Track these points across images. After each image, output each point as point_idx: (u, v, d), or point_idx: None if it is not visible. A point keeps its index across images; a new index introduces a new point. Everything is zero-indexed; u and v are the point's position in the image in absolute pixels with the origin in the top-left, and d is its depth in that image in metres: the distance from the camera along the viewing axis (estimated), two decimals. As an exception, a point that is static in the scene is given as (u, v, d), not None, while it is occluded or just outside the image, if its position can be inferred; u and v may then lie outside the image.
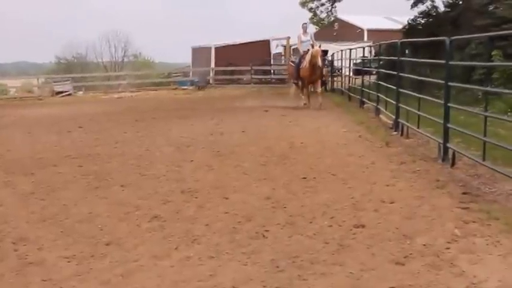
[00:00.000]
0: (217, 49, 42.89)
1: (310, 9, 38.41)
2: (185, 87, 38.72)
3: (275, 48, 45.01)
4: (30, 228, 7.21)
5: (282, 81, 37.38)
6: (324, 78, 22.63)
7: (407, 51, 16.39)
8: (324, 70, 22.03)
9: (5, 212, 8.02)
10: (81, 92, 39.27)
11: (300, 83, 22.12)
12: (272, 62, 43.91)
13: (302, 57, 21.48)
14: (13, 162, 11.86)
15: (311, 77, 21.07)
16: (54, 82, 40.50)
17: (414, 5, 33.11)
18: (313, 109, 20.65)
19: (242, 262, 5.90)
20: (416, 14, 32.35)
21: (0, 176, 10.44)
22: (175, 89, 39.23)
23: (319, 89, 21.73)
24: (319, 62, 20.77)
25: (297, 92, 22.72)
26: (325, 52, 21.42)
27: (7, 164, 11.67)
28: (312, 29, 25.24)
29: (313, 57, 20.64)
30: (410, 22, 32.42)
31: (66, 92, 37.66)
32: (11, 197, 8.91)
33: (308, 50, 21.12)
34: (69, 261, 6.03)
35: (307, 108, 21.28)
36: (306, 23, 23.16)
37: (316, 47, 21.11)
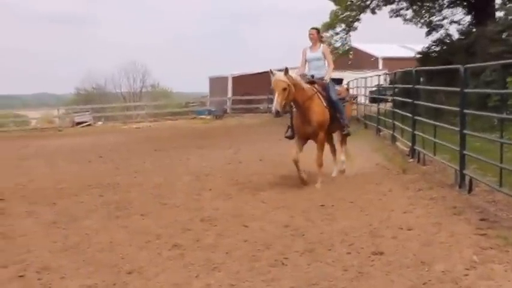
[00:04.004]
0: (234, 78, 43.21)
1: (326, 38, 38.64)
2: (203, 116, 39.00)
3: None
4: (53, 257, 7.34)
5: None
6: (345, 127, 12.14)
7: (422, 79, 16.45)
8: (346, 105, 12.32)
9: (28, 241, 8.16)
10: (100, 123, 39.68)
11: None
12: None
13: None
14: (36, 192, 12.05)
15: (303, 128, 11.59)
16: (74, 113, 40.95)
17: (428, 33, 33.33)
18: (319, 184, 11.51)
19: (263, 290, 5.98)
20: (431, 42, 32.54)
21: (24, 206, 10.64)
22: (193, 118, 39.52)
23: (338, 152, 13.07)
24: (318, 101, 11.55)
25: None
26: (339, 81, 13.16)
27: (30, 194, 11.87)
28: (326, 41, 12.14)
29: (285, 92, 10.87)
30: (424, 50, 32.57)
31: (85, 122, 38.09)
32: (34, 227, 9.06)
33: (308, 76, 12.00)
34: (91, 290, 6.14)
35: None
36: (315, 28, 12.32)
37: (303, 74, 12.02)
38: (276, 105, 10.75)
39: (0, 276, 6.68)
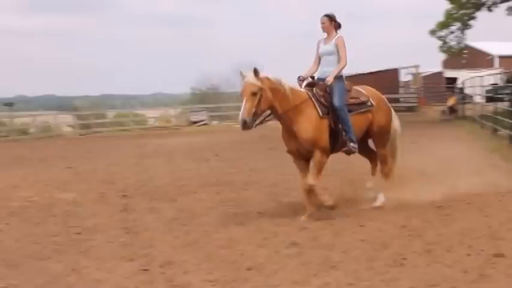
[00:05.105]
0: (347, 78, 43.08)
1: (440, 38, 37.88)
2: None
3: (404, 77, 44.67)
4: (175, 252, 7.61)
5: (410, 109, 37.09)
6: (346, 142, 9.27)
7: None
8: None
9: (151, 236, 8.50)
10: (215, 122, 40.42)
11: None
12: (401, 91, 43.63)
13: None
14: (156, 189, 12.52)
15: (291, 145, 9.43)
16: (191, 112, 41.92)
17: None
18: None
19: (381, 289, 5.98)
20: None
21: (145, 202, 11.08)
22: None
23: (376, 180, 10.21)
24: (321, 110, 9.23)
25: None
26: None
27: (151, 190, 12.33)
28: (341, 31, 9.55)
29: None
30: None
31: (201, 121, 38.91)
32: (156, 222, 9.42)
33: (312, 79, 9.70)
34: (213, 285, 6.33)
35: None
36: (328, 16, 9.63)
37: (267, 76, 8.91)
38: (242, 113, 8.62)
39: (126, 269, 6.98)
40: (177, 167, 16.36)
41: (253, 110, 8.68)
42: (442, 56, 41.74)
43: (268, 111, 9.25)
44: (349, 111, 9.42)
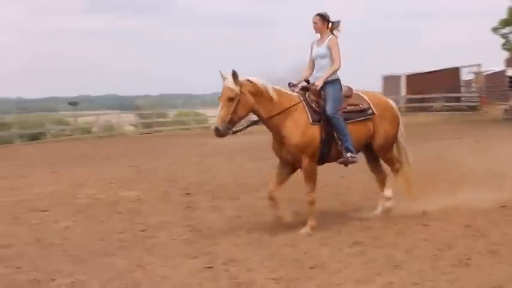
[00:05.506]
0: (407, 77, 42.69)
1: (503, 35, 37.22)
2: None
3: (466, 76, 43.99)
4: (238, 250, 7.68)
5: (472, 108, 36.54)
6: (343, 152, 8.64)
7: None
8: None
9: (214, 234, 8.60)
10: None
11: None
12: (463, 90, 43.02)
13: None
14: (218, 187, 12.66)
15: (280, 152, 8.86)
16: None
17: None
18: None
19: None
20: None
21: (208, 200, 11.21)
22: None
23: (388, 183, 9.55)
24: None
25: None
26: None
27: (213, 189, 12.47)
28: (336, 32, 8.69)
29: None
30: None
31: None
32: (218, 221, 9.53)
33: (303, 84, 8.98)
34: (277, 283, 6.38)
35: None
36: (320, 15, 8.79)
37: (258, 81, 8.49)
38: (217, 121, 8.20)
39: (190, 266, 7.08)
40: (238, 165, 16.48)
41: (229, 117, 8.12)
42: (505, 54, 40.93)
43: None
44: (346, 119, 8.67)
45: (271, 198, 8.76)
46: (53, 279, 6.80)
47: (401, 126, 9.52)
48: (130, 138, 34.13)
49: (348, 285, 6.17)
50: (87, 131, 36.69)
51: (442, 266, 6.60)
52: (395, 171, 9.48)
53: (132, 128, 40.21)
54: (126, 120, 41.27)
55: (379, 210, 9.30)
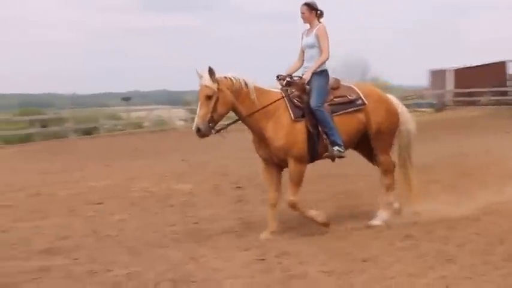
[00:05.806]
0: (455, 71, 42.29)
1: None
2: (422, 109, 38.45)
3: (512, 70, 43.33)
4: (290, 243, 7.76)
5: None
6: (329, 145, 8.31)
7: None
8: None
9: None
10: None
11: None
12: (509, 84, 42.40)
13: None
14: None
15: (263, 152, 8.64)
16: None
17: None
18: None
19: (499, 284, 5.93)
20: None
21: (258, 193, 11.17)
22: (413, 111, 39.03)
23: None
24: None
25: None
26: None
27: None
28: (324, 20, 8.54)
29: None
30: None
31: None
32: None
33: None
34: (329, 276, 6.43)
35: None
36: (307, 4, 8.49)
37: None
38: (196, 120, 7.96)
39: (243, 259, 7.18)
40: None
41: (209, 116, 7.91)
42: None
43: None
44: (333, 111, 8.34)
45: (272, 206, 8.45)
46: (110, 270, 6.95)
47: (409, 126, 9.12)
48: (181, 132, 34.37)
49: (400, 278, 6.18)
50: (139, 125, 37.11)
51: (494, 261, 6.57)
52: (385, 185, 8.98)
53: (182, 122, 40.47)
54: (177, 115, 41.53)
55: (376, 220, 8.70)
